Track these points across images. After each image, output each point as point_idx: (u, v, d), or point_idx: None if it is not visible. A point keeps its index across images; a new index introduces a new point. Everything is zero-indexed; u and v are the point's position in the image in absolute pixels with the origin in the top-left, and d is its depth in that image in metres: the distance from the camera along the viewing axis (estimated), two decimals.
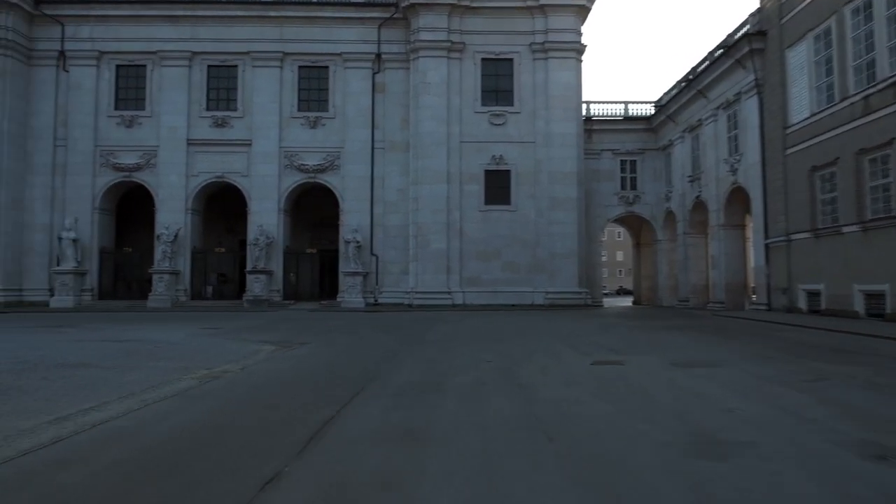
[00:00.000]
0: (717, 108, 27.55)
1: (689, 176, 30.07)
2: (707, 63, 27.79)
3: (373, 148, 33.17)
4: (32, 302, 32.44)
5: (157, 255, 32.38)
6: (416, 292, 31.00)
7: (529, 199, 31.71)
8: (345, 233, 32.49)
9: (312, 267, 34.67)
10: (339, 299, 32.06)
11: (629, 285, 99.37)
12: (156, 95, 33.66)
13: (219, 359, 10.94)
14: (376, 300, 32.47)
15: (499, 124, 31.85)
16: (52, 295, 32.15)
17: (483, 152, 31.75)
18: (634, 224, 37.22)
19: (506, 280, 31.37)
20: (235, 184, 33.50)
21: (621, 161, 33.72)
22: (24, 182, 32.98)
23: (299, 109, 33.56)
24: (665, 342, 13.80)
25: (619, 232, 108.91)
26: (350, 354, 12.04)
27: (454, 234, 31.34)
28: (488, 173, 31.81)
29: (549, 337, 14.84)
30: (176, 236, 32.55)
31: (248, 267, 32.21)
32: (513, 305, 30.73)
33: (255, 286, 31.99)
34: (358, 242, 31.94)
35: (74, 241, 32.35)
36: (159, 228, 32.58)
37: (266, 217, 33.02)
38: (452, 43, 31.64)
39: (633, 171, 33.82)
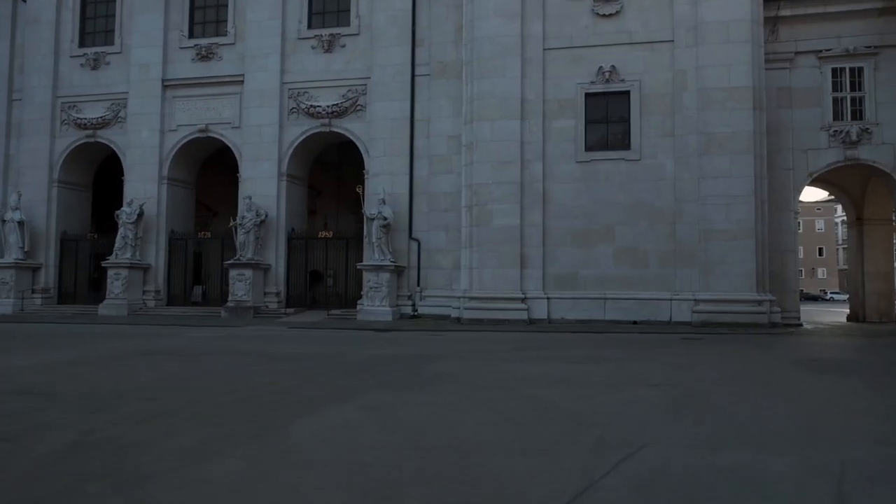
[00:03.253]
0: None
1: None
2: None
3: (413, 75, 21.54)
4: None
5: (117, 242, 23.02)
6: (471, 298, 18.91)
7: (664, 138, 18.42)
8: (368, 206, 21.16)
9: (332, 259, 23.68)
10: (358, 307, 20.79)
11: (811, 287, 77.69)
12: (126, 24, 24.45)
13: None
14: (415, 309, 20.84)
15: (609, 14, 18.81)
16: None
17: (582, 64, 18.94)
18: (853, 183, 22.11)
19: (622, 279, 18.34)
20: (221, 138, 23.40)
21: (833, 71, 19.17)
22: None
23: (310, 26, 22.78)
24: None
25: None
26: None
27: (533, 201, 18.86)
28: (591, 99, 18.93)
29: None
30: (140, 216, 22.99)
31: (236, 257, 21.88)
32: (634, 322, 17.71)
33: (238, 287, 21.56)
34: (385, 220, 20.45)
35: (21, 223, 23.89)
36: (125, 205, 23.25)
37: (261, 185, 22.57)
38: None
39: (857, 86, 19.10)
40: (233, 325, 18.36)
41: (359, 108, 22.09)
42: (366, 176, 21.89)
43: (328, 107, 22.12)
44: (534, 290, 18.63)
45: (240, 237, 21.74)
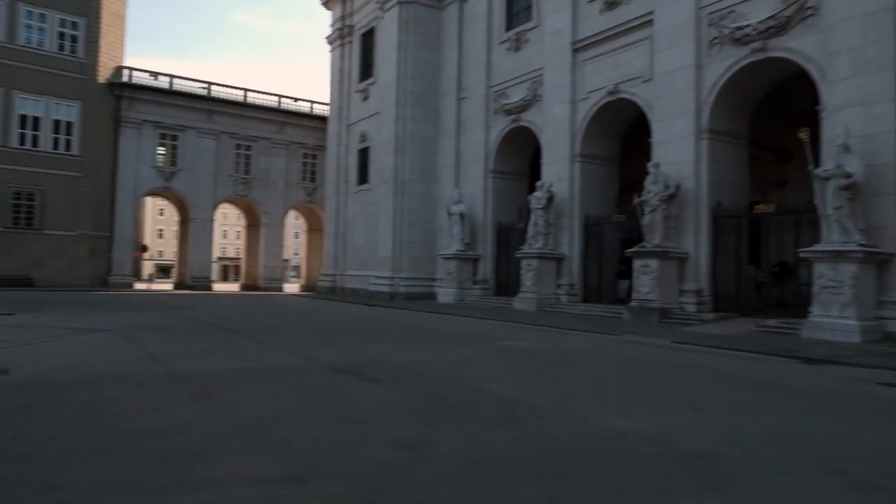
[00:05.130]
0: None
1: None
2: None
3: None
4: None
5: (529, 230, 21.22)
6: None
7: None
8: (825, 162, 13.55)
9: (784, 244, 16.41)
10: (807, 318, 13.47)
11: None
12: None
13: None
14: None
15: None
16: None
17: None
18: None
19: None
20: (632, 97, 18.96)
21: None
22: (436, 148, 27.40)
23: None
24: None
25: None
26: None
27: None
28: None
29: None
30: (550, 200, 20.62)
31: (641, 244, 17.28)
32: None
33: (643, 282, 16.85)
34: (849, 177, 12.66)
35: (462, 216, 24.67)
36: (536, 190, 21.33)
37: (674, 149, 17.29)
38: None
39: None
40: (609, 333, 13.86)
41: (808, 12, 14.49)
42: (821, 115, 14.18)
43: (760, 24, 15.24)
44: None
45: (645, 218, 17.00)
